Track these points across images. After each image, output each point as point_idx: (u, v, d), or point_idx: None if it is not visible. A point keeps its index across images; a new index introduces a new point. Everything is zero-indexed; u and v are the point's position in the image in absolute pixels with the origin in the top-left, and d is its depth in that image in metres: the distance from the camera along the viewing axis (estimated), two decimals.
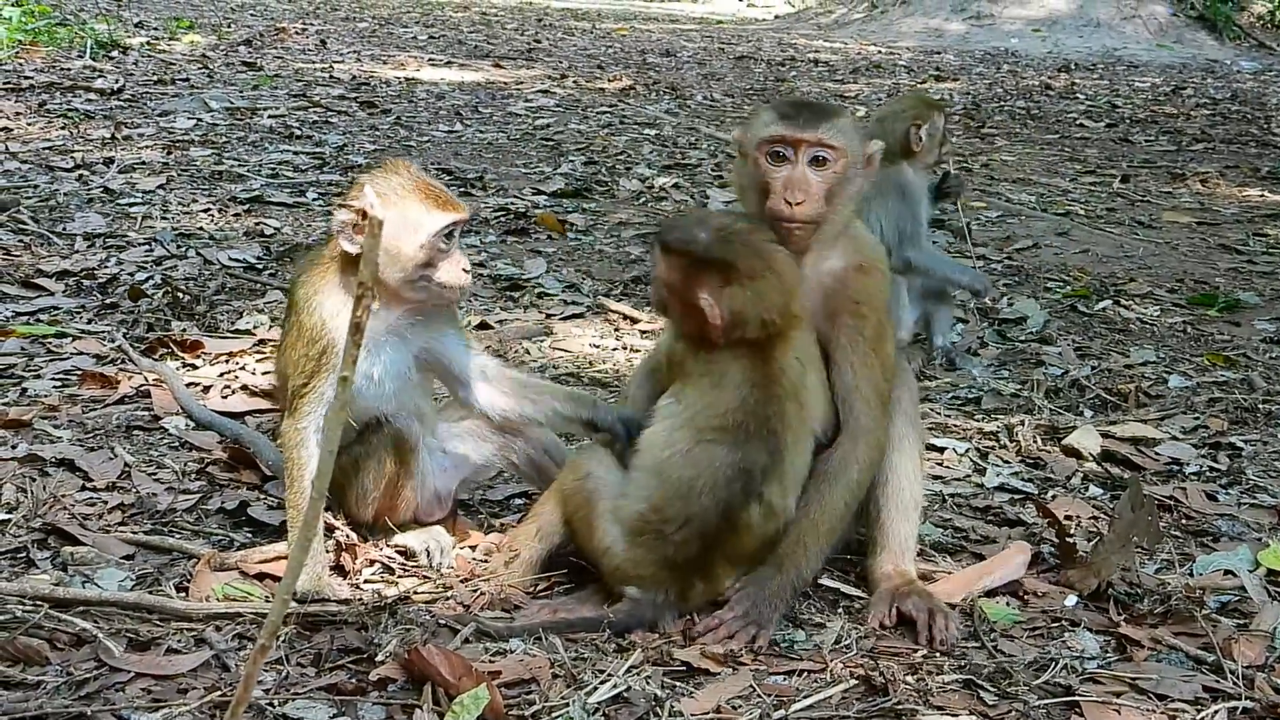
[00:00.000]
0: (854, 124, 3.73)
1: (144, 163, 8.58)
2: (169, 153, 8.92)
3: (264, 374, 5.21)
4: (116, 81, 11.44)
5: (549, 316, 6.16)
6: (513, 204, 8.23)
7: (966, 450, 4.86)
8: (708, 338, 3.51)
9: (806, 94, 14.56)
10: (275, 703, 3.03)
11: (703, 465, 3.46)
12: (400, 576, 3.75)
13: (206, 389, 5.02)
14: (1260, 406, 5.42)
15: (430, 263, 3.61)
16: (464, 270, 3.68)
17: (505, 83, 13.90)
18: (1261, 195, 10.30)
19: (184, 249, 6.71)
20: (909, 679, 3.26)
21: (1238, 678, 3.33)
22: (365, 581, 3.71)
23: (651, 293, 3.70)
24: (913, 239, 5.67)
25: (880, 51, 20.46)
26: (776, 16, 30.13)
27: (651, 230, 7.83)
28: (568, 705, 3.05)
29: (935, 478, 4.57)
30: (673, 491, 3.47)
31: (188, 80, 12.11)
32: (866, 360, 3.64)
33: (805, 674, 3.31)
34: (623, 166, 9.77)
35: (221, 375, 5.19)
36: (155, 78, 12.04)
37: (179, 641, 3.28)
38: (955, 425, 5.14)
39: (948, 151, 6.03)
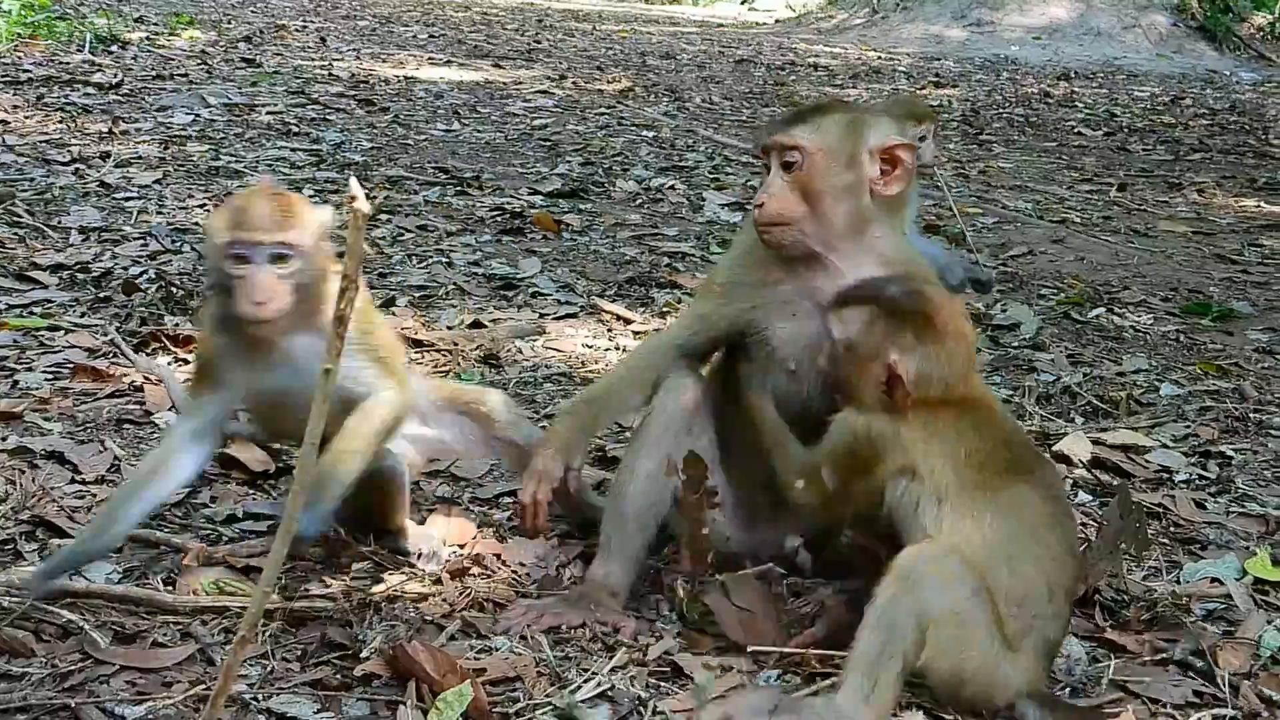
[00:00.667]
0: (846, 122, 3.57)
1: (140, 157, 8.58)
2: (166, 148, 8.91)
3: None
4: (115, 76, 11.42)
5: (542, 316, 6.16)
6: (509, 204, 8.23)
7: None
8: (894, 403, 3.17)
9: (805, 98, 14.56)
10: (260, 697, 3.03)
11: (1028, 515, 3.12)
12: (389, 573, 3.75)
13: None
14: (1251, 416, 5.43)
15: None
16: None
17: (504, 83, 13.91)
18: (1258, 206, 10.32)
19: (179, 244, 6.71)
20: None
21: (1223, 685, 3.34)
22: (353, 578, 3.70)
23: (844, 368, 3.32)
24: None
25: (880, 57, 20.48)
26: (777, 20, 30.16)
27: (649, 231, 7.84)
28: (551, 703, 3.05)
29: None
30: (1030, 568, 3.07)
31: (186, 76, 12.10)
32: None
33: (792, 673, 3.31)
34: (620, 168, 9.78)
35: None
36: (154, 73, 12.04)
37: (165, 635, 3.29)
38: None
39: (929, 162, 5.89)
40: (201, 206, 7.49)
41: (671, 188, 9.14)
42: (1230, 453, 5.04)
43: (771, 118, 3.73)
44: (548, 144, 10.53)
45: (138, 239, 6.76)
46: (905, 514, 3.13)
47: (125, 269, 6.25)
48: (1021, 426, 3.44)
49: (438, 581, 3.66)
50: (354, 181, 1.55)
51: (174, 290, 5.92)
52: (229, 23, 16.99)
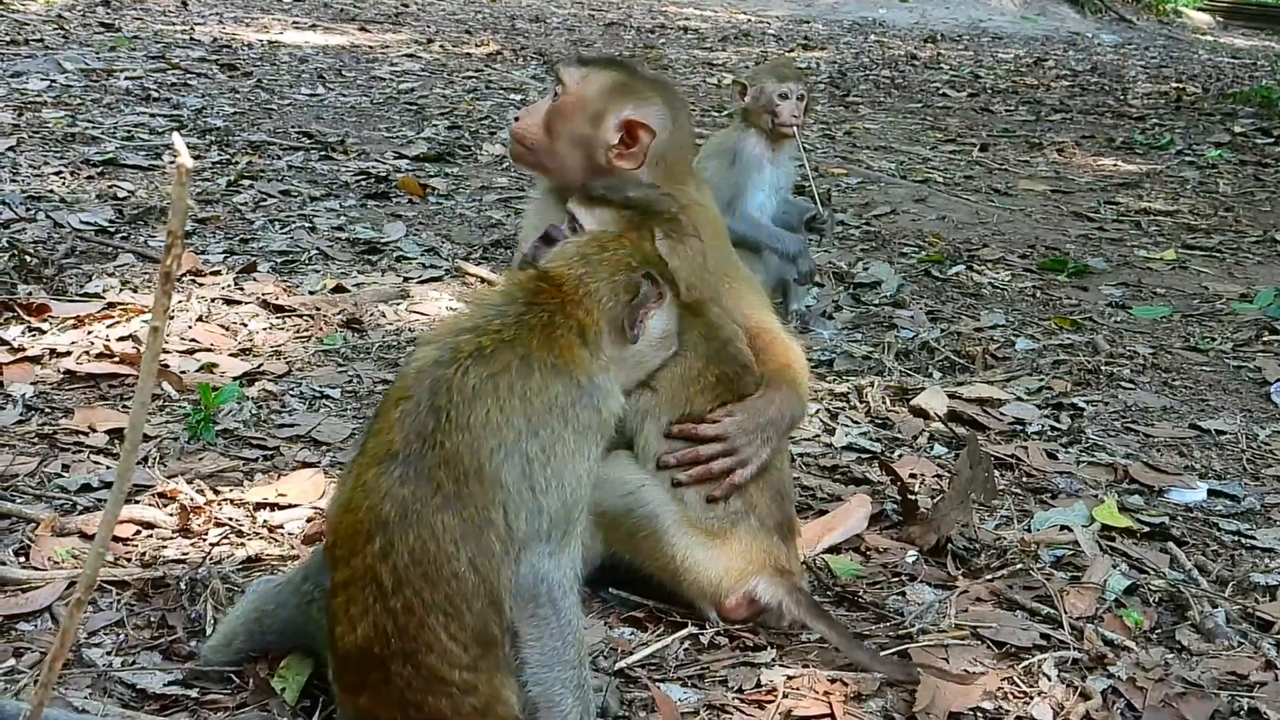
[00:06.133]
0: (611, 82, 3.61)
1: None
2: (20, 114, 8.69)
3: (118, 340, 5.08)
4: None
5: (406, 280, 6.12)
6: (374, 168, 8.17)
7: (816, 411, 4.92)
8: None
9: (674, 61, 14.61)
10: (114, 664, 3.01)
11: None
12: (249, 539, 3.72)
13: (66, 354, 4.89)
14: (1103, 368, 5.57)
15: None
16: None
17: (371, 46, 13.74)
18: (1115, 165, 10.55)
19: (33, 212, 6.56)
20: (747, 630, 3.32)
21: (1067, 628, 3.43)
22: (212, 544, 3.67)
23: None
24: (731, 207, 5.61)
25: (750, 20, 20.55)
26: None
27: (515, 195, 7.82)
28: None
29: None
30: None
31: (42, 41, 11.80)
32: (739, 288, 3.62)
33: (644, 624, 3.35)
34: (486, 131, 9.73)
35: (73, 343, 5.03)
36: (8, 38, 11.72)
37: (18, 605, 3.24)
38: None
39: (785, 121, 5.87)
40: (57, 174, 7.33)
41: None
42: (1082, 404, 5.17)
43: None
44: (414, 108, 10.45)
45: None
46: (633, 424, 3.30)
47: None
48: (739, 333, 3.48)
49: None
50: (177, 137, 1.54)
51: (28, 259, 5.79)
52: None
